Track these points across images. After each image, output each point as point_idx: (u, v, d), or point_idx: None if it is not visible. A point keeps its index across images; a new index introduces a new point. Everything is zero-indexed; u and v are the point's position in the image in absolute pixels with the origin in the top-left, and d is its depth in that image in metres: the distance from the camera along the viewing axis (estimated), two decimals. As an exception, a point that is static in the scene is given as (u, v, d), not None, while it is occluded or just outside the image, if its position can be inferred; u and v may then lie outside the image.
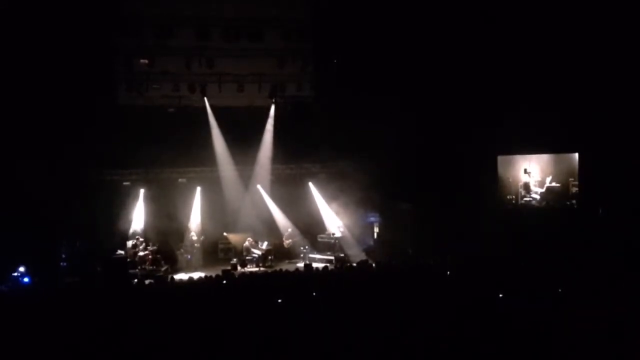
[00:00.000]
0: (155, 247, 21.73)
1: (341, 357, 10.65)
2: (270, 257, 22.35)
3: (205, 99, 22.82)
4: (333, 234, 23.19)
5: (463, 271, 15.66)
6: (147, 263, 21.21)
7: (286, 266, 20.87)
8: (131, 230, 21.99)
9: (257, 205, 23.43)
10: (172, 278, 18.23)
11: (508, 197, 23.23)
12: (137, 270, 20.50)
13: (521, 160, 23.30)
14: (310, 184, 24.06)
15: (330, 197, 23.59)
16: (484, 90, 21.34)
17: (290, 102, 23.59)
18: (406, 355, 10.59)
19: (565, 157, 23.03)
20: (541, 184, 23.16)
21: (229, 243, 23.13)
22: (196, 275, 19.48)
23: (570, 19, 20.62)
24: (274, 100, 23.56)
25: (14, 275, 18.52)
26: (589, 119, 20.92)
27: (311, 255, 22.60)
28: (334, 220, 23.52)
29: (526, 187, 23.19)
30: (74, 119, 19.92)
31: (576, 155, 22.62)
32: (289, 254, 23.20)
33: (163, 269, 21.13)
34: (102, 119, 20.43)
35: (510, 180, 23.22)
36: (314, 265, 20.43)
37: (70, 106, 19.93)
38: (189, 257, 22.17)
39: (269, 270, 19.65)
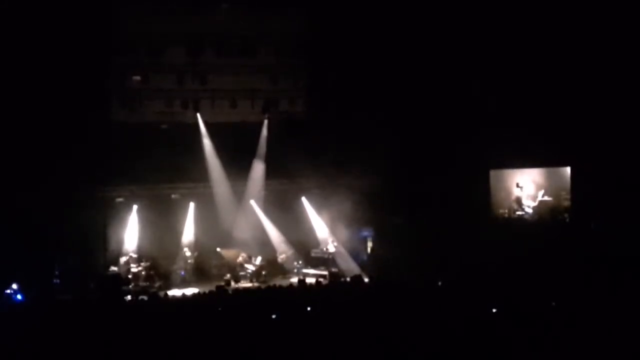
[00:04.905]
0: (148, 264, 21.65)
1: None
2: (263, 273, 22.28)
3: (198, 115, 22.82)
4: (326, 249, 23.15)
5: (456, 285, 15.65)
6: (141, 279, 21.15)
7: (280, 281, 20.83)
8: (124, 247, 21.89)
9: (250, 221, 23.38)
10: (166, 294, 18.18)
11: (500, 211, 23.29)
12: (130, 286, 20.44)
13: (513, 174, 23.39)
14: (304, 199, 24.05)
15: (323, 212, 23.59)
16: (476, 105, 21.45)
17: (283, 118, 23.61)
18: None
19: (558, 171, 23.13)
20: (533, 197, 23.23)
21: (223, 259, 23.02)
22: (190, 291, 19.45)
23: (561, 33, 20.77)
24: (266, 116, 23.57)
25: (7, 293, 18.44)
26: (581, 133, 21.02)
27: (305, 271, 22.57)
28: (328, 235, 23.49)
29: (518, 201, 23.26)
30: (67, 135, 19.91)
31: (568, 169, 22.71)
32: (283, 270, 23.14)
33: (156, 285, 21.07)
34: (95, 135, 20.43)
35: (503, 194, 23.28)
36: (308, 280, 20.41)
37: (63, 122, 19.91)
38: (182, 273, 22.10)
39: (263, 285, 19.61)
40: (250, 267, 22.26)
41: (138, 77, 21.81)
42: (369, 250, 23.64)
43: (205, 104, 22.77)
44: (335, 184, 23.31)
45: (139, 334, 12.37)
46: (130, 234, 22.08)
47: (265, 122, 23.62)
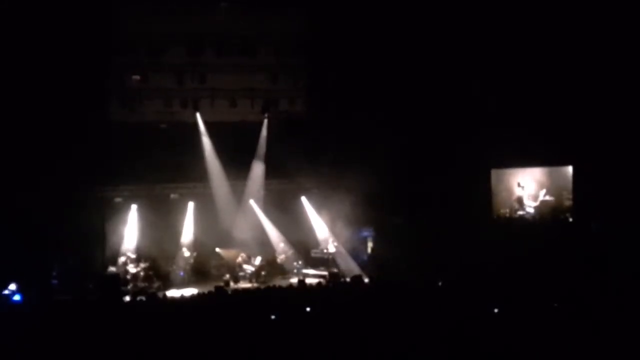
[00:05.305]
0: (147, 264, 21.58)
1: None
2: (263, 273, 22.21)
3: (198, 114, 22.78)
4: (326, 249, 23.09)
5: (456, 286, 15.59)
6: (139, 280, 21.07)
7: (279, 282, 20.77)
8: (123, 247, 21.83)
9: (250, 221, 23.33)
10: (165, 294, 18.11)
11: (502, 211, 23.21)
12: (129, 287, 20.37)
13: (515, 173, 23.32)
14: (304, 199, 23.98)
15: (323, 212, 23.52)
16: (477, 104, 21.39)
17: (283, 118, 23.55)
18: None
19: (560, 170, 23.06)
20: (535, 197, 23.15)
21: (222, 259, 22.97)
22: (189, 291, 19.37)
23: (561, 33, 20.72)
24: (266, 116, 23.52)
25: (5, 293, 18.36)
26: (583, 132, 20.96)
27: (304, 271, 22.51)
28: (327, 235, 23.42)
29: (519, 200, 23.19)
30: (66, 135, 19.88)
31: (570, 168, 22.64)
32: (282, 270, 23.08)
33: (155, 285, 21.00)
34: (94, 135, 20.39)
35: (504, 194, 23.21)
36: (307, 280, 20.32)
37: (62, 122, 19.88)
38: (181, 273, 22.04)
39: (262, 286, 19.53)
40: (250, 268, 22.19)
41: (137, 76, 21.80)
42: (369, 250, 23.57)
43: (204, 104, 22.74)
44: (335, 183, 23.25)
45: (137, 334, 12.31)
46: (129, 234, 22.02)
47: (265, 121, 23.58)
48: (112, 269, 21.02)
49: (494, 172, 23.04)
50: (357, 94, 22.02)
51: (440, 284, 16.11)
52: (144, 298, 17.13)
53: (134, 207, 22.15)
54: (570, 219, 22.63)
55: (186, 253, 22.35)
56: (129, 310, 15.67)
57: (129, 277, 20.90)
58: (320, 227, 23.66)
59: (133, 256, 21.56)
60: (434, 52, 21.48)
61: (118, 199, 22.27)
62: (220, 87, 22.78)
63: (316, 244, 23.56)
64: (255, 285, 21.11)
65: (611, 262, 17.24)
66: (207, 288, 17.71)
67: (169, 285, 21.46)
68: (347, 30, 21.76)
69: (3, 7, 19.25)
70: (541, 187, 23.21)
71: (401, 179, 21.97)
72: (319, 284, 20.04)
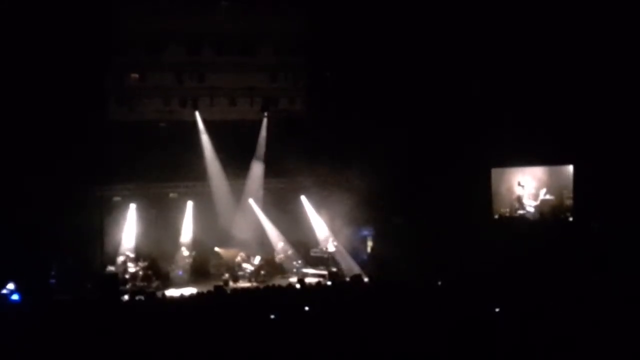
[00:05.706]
0: (146, 263, 21.54)
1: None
2: (262, 272, 22.17)
3: (197, 113, 22.76)
4: (326, 249, 23.03)
5: (456, 285, 15.56)
6: (138, 279, 21.02)
7: (279, 281, 20.74)
8: (122, 246, 21.79)
9: (249, 220, 23.28)
10: (164, 294, 18.05)
11: (502, 210, 23.17)
12: (127, 286, 20.32)
13: (515, 172, 23.27)
14: (303, 198, 23.93)
15: (322, 211, 23.47)
16: (477, 102, 21.37)
17: (282, 116, 23.52)
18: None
19: (560, 170, 23.02)
20: (535, 196, 23.12)
21: (221, 258, 22.93)
22: (188, 291, 19.33)
23: (562, 32, 20.70)
24: (266, 114, 23.49)
25: (3, 293, 18.31)
26: (584, 130, 20.93)
27: (304, 270, 22.45)
28: (327, 234, 23.37)
29: (520, 200, 23.15)
30: (65, 134, 19.85)
31: (571, 167, 22.61)
32: (282, 269, 23.04)
33: (154, 284, 20.93)
34: (92, 134, 20.37)
35: (504, 193, 23.17)
36: (307, 280, 20.27)
37: (61, 121, 19.86)
38: (180, 272, 22.00)
39: (261, 285, 19.49)
40: (249, 267, 22.15)
41: (136, 75, 21.79)
42: (368, 249, 23.53)
43: (204, 102, 22.73)
44: (334, 183, 23.23)
45: (136, 334, 12.28)
46: (128, 233, 21.98)
47: (265, 120, 23.54)
48: (110, 268, 21.00)
49: (495, 171, 22.99)
50: (357, 94, 21.98)
51: (440, 283, 16.08)
52: (142, 297, 17.11)
53: (132, 206, 22.12)
54: (571, 219, 22.59)
55: (185, 252, 22.31)
56: (127, 310, 15.65)
57: (127, 276, 20.87)
58: (320, 226, 23.59)
59: (132, 255, 21.53)
60: (434, 52, 21.45)
61: (117, 198, 22.24)
62: (220, 86, 22.78)
63: (316, 243, 23.50)
64: (255, 284, 21.07)
65: (611, 262, 17.19)
66: (206, 287, 17.67)
67: (168, 284, 21.41)
68: (347, 30, 21.73)
69: (3, 7, 19.22)
70: (542, 186, 23.17)
71: (401, 179, 21.94)
72: (318, 283, 20.01)
